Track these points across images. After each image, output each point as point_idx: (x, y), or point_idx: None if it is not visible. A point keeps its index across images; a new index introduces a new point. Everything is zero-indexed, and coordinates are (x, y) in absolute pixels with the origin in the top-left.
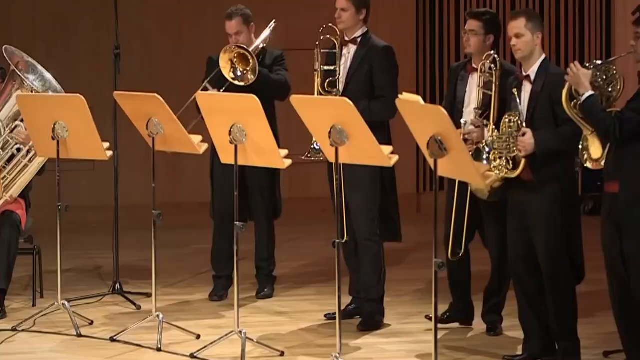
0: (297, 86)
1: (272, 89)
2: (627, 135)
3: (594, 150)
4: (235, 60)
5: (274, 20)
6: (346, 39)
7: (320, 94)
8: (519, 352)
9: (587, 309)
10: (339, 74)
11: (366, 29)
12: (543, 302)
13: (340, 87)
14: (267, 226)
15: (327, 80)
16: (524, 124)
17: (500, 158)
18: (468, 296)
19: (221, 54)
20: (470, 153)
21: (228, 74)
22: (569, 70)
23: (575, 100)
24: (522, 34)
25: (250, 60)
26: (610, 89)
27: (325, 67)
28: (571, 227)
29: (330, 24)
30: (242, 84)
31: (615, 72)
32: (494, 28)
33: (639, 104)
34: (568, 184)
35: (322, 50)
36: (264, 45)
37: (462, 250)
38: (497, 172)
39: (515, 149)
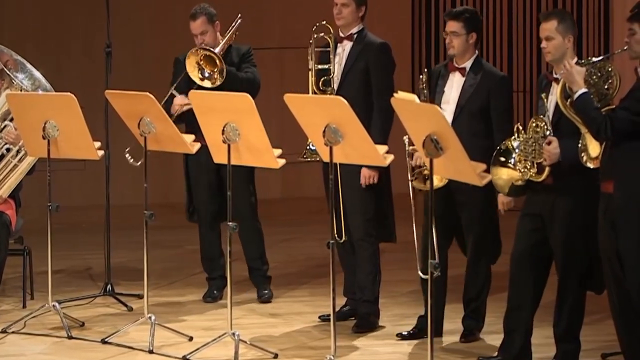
0: (293, 85)
1: (240, 88)
2: (619, 134)
3: (593, 147)
4: (201, 62)
5: (239, 16)
6: (342, 35)
7: (315, 94)
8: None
9: (587, 310)
10: (334, 73)
11: (362, 26)
12: (534, 306)
13: (335, 85)
14: (251, 225)
15: (322, 79)
16: (550, 130)
17: (525, 160)
18: (441, 306)
19: (187, 58)
20: (500, 150)
21: (197, 77)
22: (562, 67)
23: (570, 98)
24: (553, 37)
25: (217, 62)
26: (606, 87)
27: (319, 66)
28: (590, 233)
29: (324, 22)
30: (210, 85)
31: (610, 69)
32: (475, 25)
33: (632, 103)
34: (589, 190)
35: (315, 49)
36: (231, 42)
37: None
38: (522, 174)
39: (540, 155)
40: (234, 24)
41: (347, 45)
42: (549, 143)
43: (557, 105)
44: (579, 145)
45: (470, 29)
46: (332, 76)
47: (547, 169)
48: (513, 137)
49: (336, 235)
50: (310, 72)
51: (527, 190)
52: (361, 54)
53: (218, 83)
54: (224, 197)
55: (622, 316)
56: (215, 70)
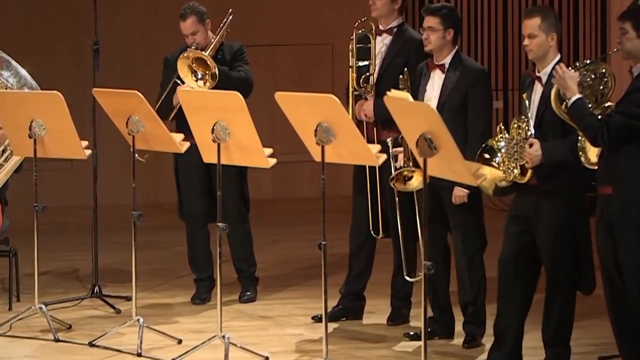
0: (285, 83)
1: (234, 87)
2: (615, 139)
3: (592, 152)
4: (193, 65)
5: (230, 11)
6: (381, 28)
7: (355, 91)
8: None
9: (583, 312)
10: (374, 70)
11: (402, 20)
12: (524, 309)
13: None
14: (240, 225)
15: (362, 77)
16: (532, 132)
17: (509, 161)
18: (448, 307)
19: (178, 63)
20: (486, 147)
21: (191, 80)
22: (554, 73)
23: (564, 103)
24: (536, 35)
25: (208, 63)
26: (601, 87)
27: (360, 63)
28: (579, 234)
29: (364, 18)
30: (204, 86)
31: (604, 70)
32: (453, 22)
33: (627, 107)
34: (575, 191)
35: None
36: (222, 40)
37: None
38: (506, 175)
39: (522, 157)
40: (225, 20)
41: (387, 39)
42: (531, 145)
43: (539, 104)
44: (578, 145)
45: (447, 25)
46: (372, 73)
47: (529, 171)
48: (499, 137)
49: (372, 231)
50: (350, 69)
51: (514, 191)
52: (402, 50)
53: (210, 85)
54: (214, 197)
55: (618, 320)
56: (208, 72)
